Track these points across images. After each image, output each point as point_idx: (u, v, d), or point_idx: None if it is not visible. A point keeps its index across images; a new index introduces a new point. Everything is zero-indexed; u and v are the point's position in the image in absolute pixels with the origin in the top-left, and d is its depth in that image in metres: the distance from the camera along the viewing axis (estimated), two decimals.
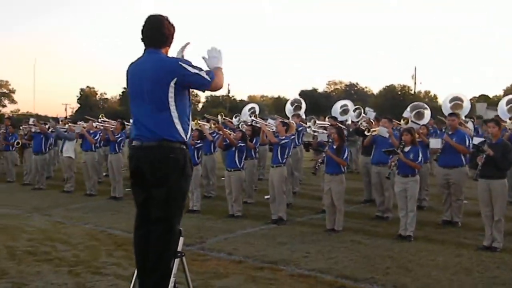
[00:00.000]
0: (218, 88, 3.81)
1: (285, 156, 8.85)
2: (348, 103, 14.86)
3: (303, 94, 54.58)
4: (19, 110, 68.90)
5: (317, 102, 50.86)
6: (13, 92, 73.24)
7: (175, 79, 3.49)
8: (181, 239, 3.67)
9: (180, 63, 3.55)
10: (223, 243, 7.34)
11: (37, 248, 7.07)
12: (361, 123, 10.62)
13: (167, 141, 3.52)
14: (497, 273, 5.91)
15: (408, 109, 13.86)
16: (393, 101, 54.43)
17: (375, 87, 68.84)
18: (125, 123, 12.25)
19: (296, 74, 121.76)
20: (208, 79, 3.59)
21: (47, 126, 13.59)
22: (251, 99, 62.93)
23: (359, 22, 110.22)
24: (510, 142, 7.24)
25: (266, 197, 10.87)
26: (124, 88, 74.03)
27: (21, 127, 15.48)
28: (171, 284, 3.51)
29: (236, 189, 9.20)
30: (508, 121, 10.90)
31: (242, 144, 9.33)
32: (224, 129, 10.21)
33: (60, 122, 15.42)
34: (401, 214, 7.56)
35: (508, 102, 12.33)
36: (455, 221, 8.23)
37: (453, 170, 8.23)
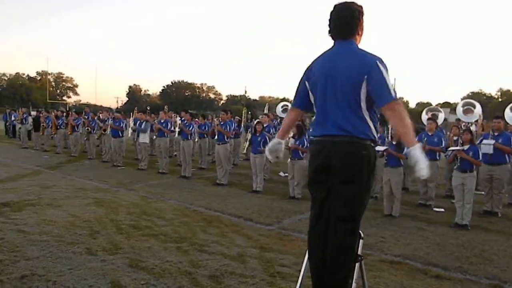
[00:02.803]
0: (400, 118, 2.40)
1: None
2: None
3: None
4: (80, 101, 68.40)
5: None
6: (76, 86, 72.59)
7: (366, 77, 2.44)
8: (361, 242, 2.64)
9: (377, 62, 2.45)
10: (299, 224, 6.33)
11: (138, 222, 6.03)
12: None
13: (359, 138, 2.50)
14: None
15: (424, 112, 12.89)
16: None
17: None
18: (191, 113, 11.38)
19: (286, 78, 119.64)
20: (393, 95, 2.42)
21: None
22: (262, 99, 61.56)
23: None
24: None
25: None
26: (163, 87, 72.83)
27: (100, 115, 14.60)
28: None
29: (298, 175, 8.16)
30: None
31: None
32: None
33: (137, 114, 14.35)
34: (457, 205, 6.50)
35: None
36: (495, 212, 7.20)
37: (497, 167, 7.19)
